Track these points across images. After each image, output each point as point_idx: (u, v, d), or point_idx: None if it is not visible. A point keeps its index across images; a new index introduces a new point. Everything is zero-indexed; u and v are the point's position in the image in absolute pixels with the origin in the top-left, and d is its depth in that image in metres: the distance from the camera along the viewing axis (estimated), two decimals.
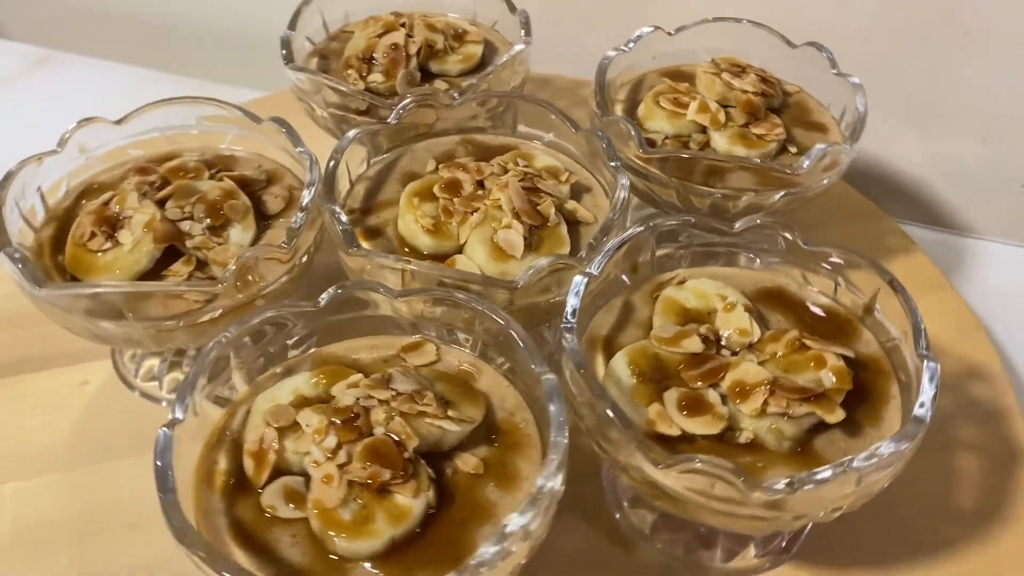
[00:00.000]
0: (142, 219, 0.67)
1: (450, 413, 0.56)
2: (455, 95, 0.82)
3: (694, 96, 0.83)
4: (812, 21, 1.00)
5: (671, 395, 0.60)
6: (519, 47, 0.86)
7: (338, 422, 0.54)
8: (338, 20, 0.96)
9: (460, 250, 0.71)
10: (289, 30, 0.88)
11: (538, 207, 0.71)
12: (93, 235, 0.67)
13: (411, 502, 0.52)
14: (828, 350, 0.61)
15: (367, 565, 0.51)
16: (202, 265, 0.69)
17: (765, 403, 0.59)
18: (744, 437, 0.59)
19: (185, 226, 0.69)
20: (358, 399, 0.56)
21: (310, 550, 0.52)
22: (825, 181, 0.80)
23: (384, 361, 0.63)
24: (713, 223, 0.70)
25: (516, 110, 0.84)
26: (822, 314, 0.68)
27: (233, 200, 0.71)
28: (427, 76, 0.89)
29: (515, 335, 0.58)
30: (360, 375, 0.58)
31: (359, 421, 0.54)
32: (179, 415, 0.54)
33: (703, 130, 0.82)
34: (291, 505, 0.53)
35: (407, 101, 0.80)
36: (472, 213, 0.72)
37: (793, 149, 0.81)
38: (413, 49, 0.86)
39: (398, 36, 0.86)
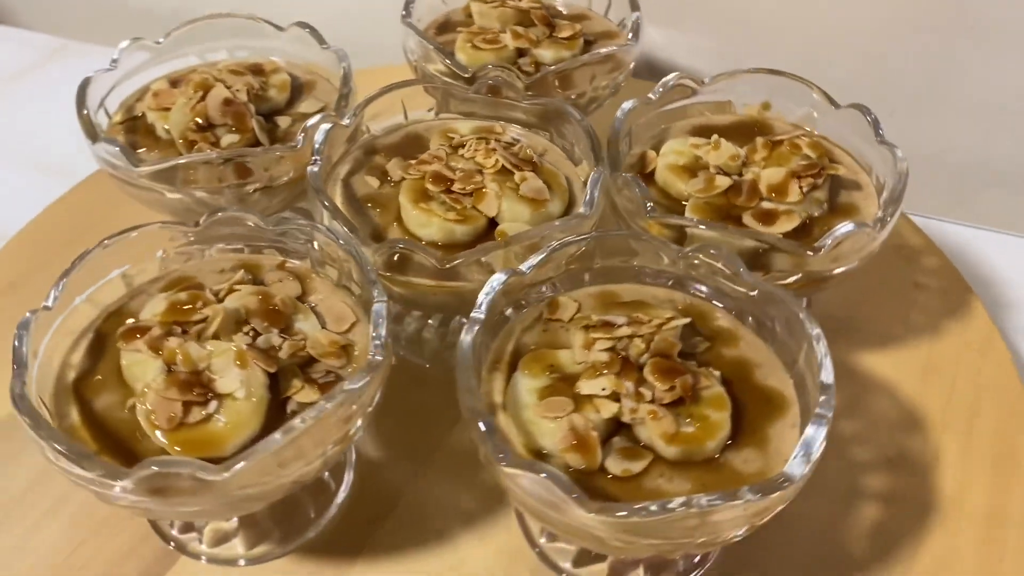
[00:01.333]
0: (228, 361, 0.62)
1: None
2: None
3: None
4: (821, 13, 0.97)
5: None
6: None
7: None
8: None
9: (490, 225, 0.76)
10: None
11: (523, 158, 0.78)
12: (187, 409, 0.60)
13: None
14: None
15: None
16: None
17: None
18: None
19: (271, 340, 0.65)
20: None
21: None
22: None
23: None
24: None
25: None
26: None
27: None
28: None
29: None
30: None
31: None
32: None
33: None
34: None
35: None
36: (481, 188, 0.75)
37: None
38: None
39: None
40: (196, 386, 0.59)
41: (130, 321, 0.66)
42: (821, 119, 0.86)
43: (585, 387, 0.61)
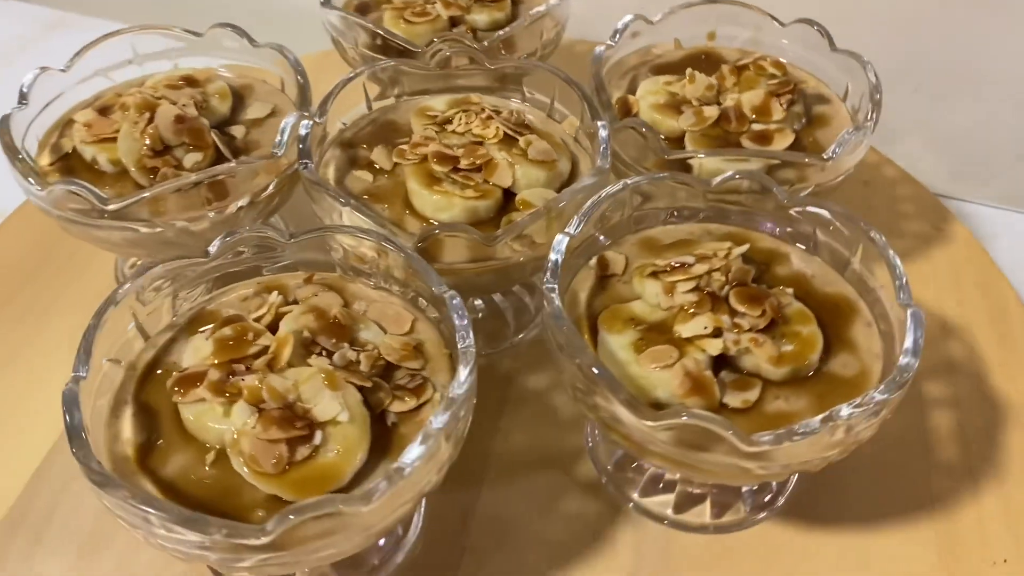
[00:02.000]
0: (317, 386, 0.57)
1: None
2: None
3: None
4: None
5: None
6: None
7: None
8: None
9: (507, 196, 0.73)
10: None
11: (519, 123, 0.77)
12: (292, 447, 0.54)
13: None
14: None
15: None
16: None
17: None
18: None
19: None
20: None
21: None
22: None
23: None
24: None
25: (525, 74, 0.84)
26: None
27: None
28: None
29: None
30: None
31: None
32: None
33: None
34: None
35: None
36: (490, 160, 0.72)
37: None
38: None
39: None
40: (295, 420, 0.54)
41: (177, 372, 0.59)
42: (768, 39, 0.89)
43: (685, 330, 0.60)
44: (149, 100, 0.76)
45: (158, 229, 0.70)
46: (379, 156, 0.76)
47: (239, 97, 0.83)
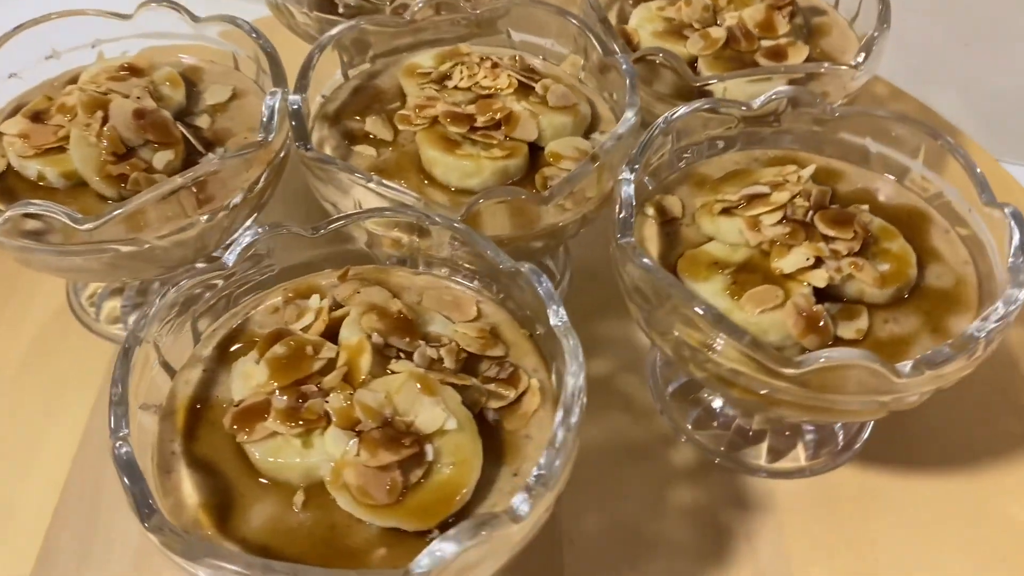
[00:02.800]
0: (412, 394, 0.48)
1: None
2: None
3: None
4: None
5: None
6: None
7: None
8: None
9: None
10: None
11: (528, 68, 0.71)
12: (405, 470, 0.46)
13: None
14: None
15: None
16: None
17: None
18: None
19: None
20: None
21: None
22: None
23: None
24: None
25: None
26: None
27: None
28: None
29: None
30: None
31: None
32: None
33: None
34: None
35: None
36: (510, 113, 0.65)
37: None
38: None
39: None
40: (401, 438, 0.46)
41: (233, 407, 0.49)
42: None
43: (786, 264, 0.55)
44: (96, 97, 0.64)
45: (146, 246, 0.59)
46: (375, 127, 0.67)
47: (189, 83, 0.72)
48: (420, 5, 0.72)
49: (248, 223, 0.65)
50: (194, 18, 0.72)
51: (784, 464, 0.66)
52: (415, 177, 0.64)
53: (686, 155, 0.66)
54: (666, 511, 0.63)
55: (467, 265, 0.58)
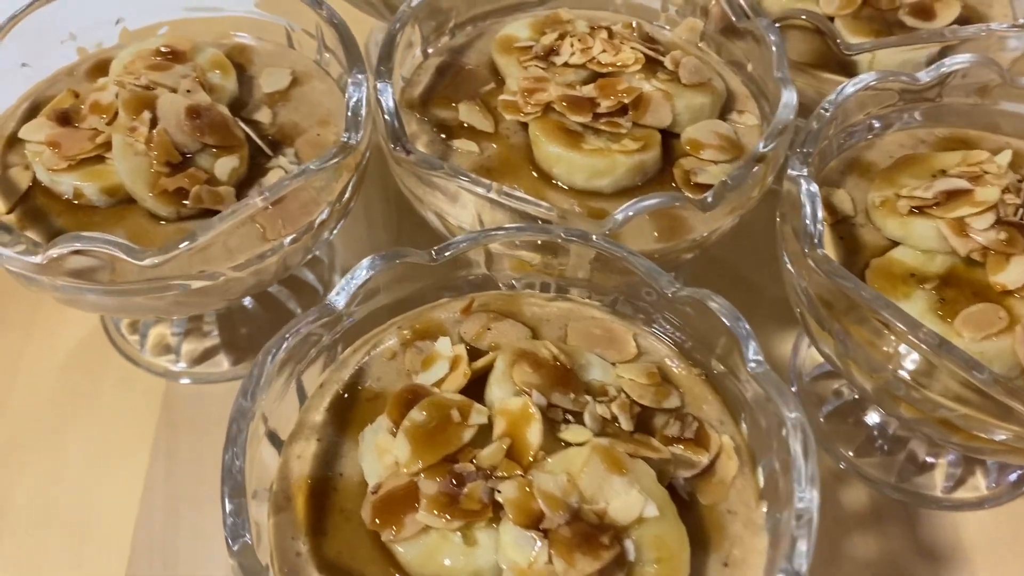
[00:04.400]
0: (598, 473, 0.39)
1: None
2: None
3: None
4: None
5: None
6: None
7: None
8: None
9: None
10: None
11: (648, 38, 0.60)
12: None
13: None
14: None
15: None
16: None
17: None
18: None
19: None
20: None
21: None
22: None
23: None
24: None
25: None
26: None
27: None
28: None
29: None
30: None
31: None
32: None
33: None
34: None
35: None
36: (639, 96, 0.54)
37: None
38: None
39: None
40: (598, 535, 0.36)
41: (372, 495, 0.39)
42: None
43: (1010, 278, 0.46)
44: (140, 93, 0.52)
45: (220, 279, 0.49)
46: (472, 116, 0.56)
47: (238, 67, 0.60)
48: None
49: (332, 233, 0.54)
50: None
51: (965, 494, 0.58)
52: (528, 176, 0.54)
53: (840, 140, 0.56)
54: (839, 557, 0.55)
55: (610, 286, 0.48)
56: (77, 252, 0.45)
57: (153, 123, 0.51)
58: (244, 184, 0.53)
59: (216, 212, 0.50)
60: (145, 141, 0.50)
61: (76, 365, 0.63)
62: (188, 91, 0.53)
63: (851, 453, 0.59)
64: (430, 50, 0.61)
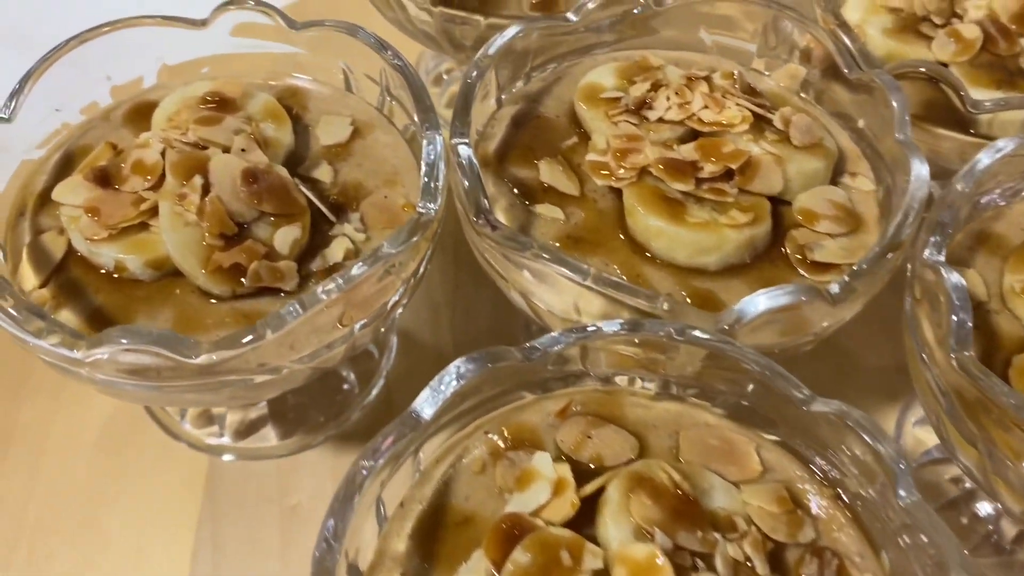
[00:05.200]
0: None
1: None
2: None
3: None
4: None
5: None
6: None
7: None
8: None
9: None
10: None
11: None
12: None
13: None
14: None
15: None
16: None
17: None
18: None
19: None
20: None
21: None
22: None
23: None
24: None
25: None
26: None
27: None
28: None
29: None
30: None
31: None
32: None
33: None
34: None
35: None
36: (748, 160, 0.48)
37: None
38: None
39: None
40: None
41: None
42: None
43: None
44: (190, 155, 0.46)
45: (284, 371, 0.43)
46: (554, 176, 0.50)
47: (292, 113, 0.54)
48: None
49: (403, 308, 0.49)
50: (291, 23, 0.54)
51: None
52: (621, 248, 0.48)
53: (962, 209, 0.50)
54: None
55: (725, 387, 0.43)
56: (128, 351, 0.40)
57: (205, 189, 0.45)
58: (305, 255, 0.47)
59: (275, 290, 0.45)
60: (197, 211, 0.45)
61: (110, 439, 0.58)
62: (243, 149, 0.47)
63: (967, 552, 0.54)
64: (504, 97, 0.55)
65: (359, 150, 0.53)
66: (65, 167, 0.52)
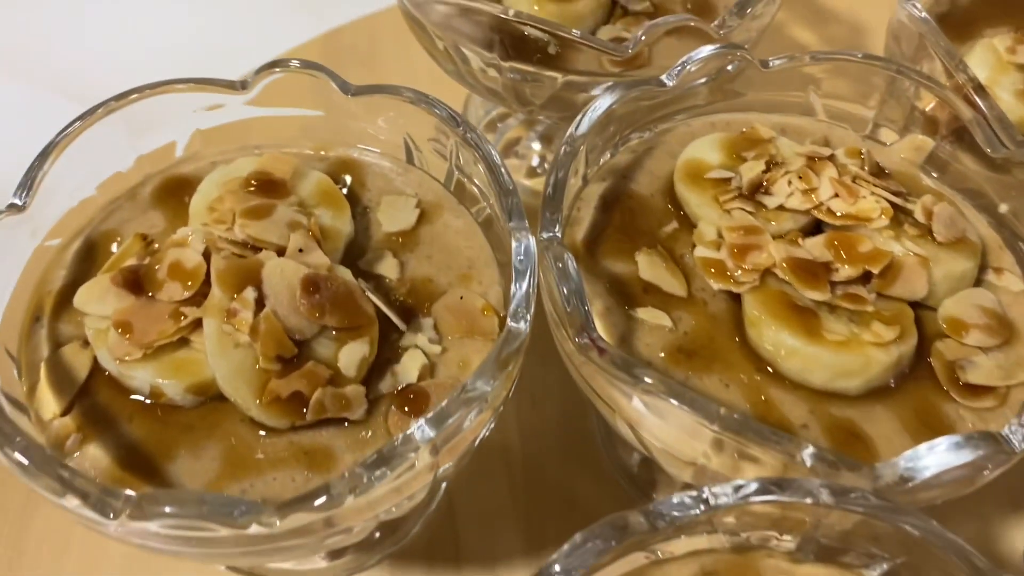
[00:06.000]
0: None
1: None
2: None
3: None
4: None
5: None
6: None
7: None
8: None
9: None
10: None
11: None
12: None
13: None
14: None
15: None
16: None
17: None
18: None
19: None
20: None
21: None
22: None
23: None
24: None
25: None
26: None
27: None
28: None
29: None
30: None
31: None
32: None
33: None
34: None
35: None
36: (891, 265, 0.42)
37: None
38: None
39: None
40: None
41: None
42: None
43: None
44: (238, 262, 0.39)
45: (353, 531, 0.36)
46: (654, 272, 0.43)
47: (349, 192, 0.47)
48: (700, 57, 0.47)
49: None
50: (344, 87, 0.47)
51: None
52: (741, 363, 0.41)
53: None
54: None
55: (873, 549, 0.36)
56: (167, 514, 0.33)
57: (259, 303, 0.38)
58: (372, 372, 0.40)
59: (340, 419, 0.39)
60: (250, 329, 0.38)
61: (139, 560, 0.50)
62: (300, 250, 0.40)
63: None
64: (589, 172, 0.48)
65: (427, 238, 0.46)
66: (87, 259, 0.45)
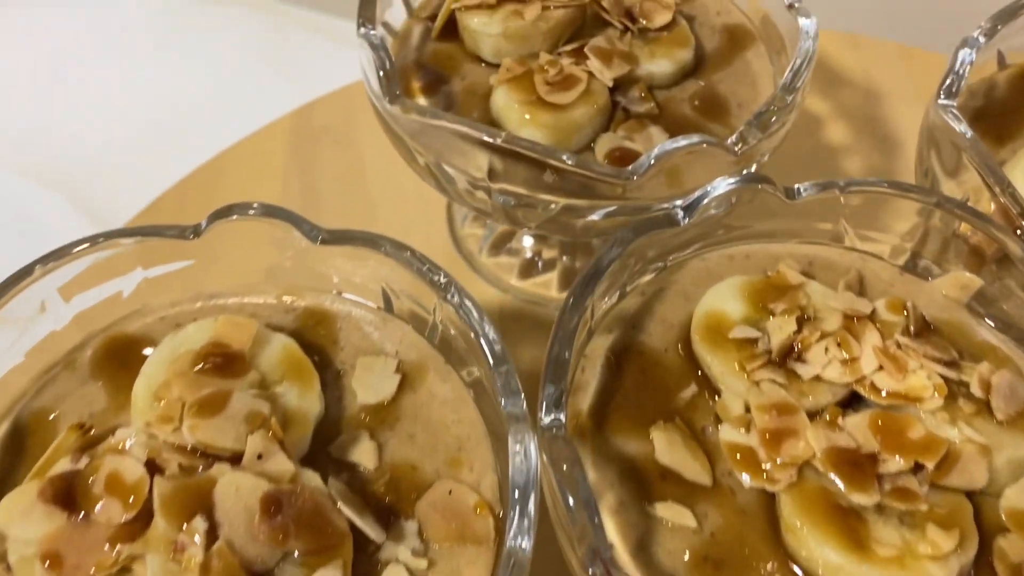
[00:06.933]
0: None
1: None
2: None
3: None
4: None
5: None
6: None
7: None
8: None
9: None
10: None
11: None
12: None
13: None
14: None
15: None
16: None
17: None
18: None
19: None
20: None
21: None
22: None
23: None
24: None
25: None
26: None
27: None
28: None
29: None
30: None
31: None
32: None
33: None
34: None
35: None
36: (947, 456, 0.36)
37: None
38: None
39: None
40: None
41: None
42: None
43: None
44: (184, 484, 0.33)
45: None
46: (673, 456, 0.38)
47: (315, 352, 0.41)
48: (719, 194, 0.42)
49: None
50: (312, 234, 0.41)
51: None
52: (779, 571, 0.36)
53: None
54: None
55: None
56: None
57: (211, 534, 0.32)
58: None
59: None
60: (200, 568, 0.32)
61: None
62: (259, 456, 0.34)
63: None
64: (593, 320, 0.42)
65: (410, 411, 0.40)
66: (13, 449, 0.38)
